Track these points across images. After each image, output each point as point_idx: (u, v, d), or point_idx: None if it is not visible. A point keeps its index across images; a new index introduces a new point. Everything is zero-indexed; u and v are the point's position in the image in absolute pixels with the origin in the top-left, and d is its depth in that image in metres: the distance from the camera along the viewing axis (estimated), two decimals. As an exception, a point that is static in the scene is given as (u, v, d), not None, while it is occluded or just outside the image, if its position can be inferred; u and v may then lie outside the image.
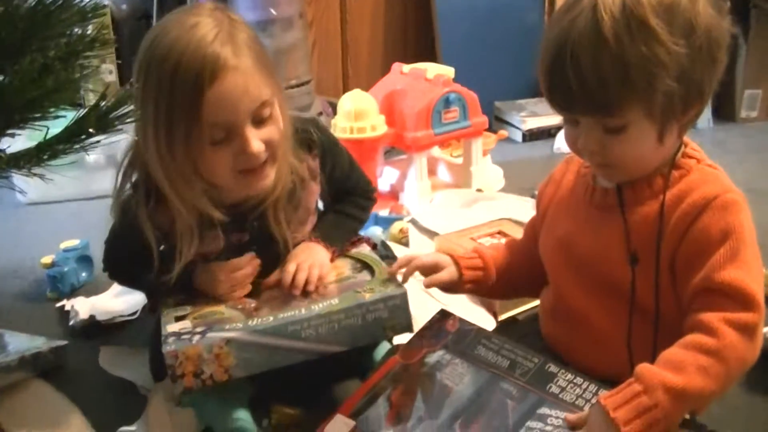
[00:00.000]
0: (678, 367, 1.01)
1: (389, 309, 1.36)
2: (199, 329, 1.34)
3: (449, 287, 1.39)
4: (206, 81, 1.26)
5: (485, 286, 1.40)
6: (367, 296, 1.36)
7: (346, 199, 1.63)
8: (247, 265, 1.46)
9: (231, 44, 1.30)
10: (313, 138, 1.52)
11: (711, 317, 1.03)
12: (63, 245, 2.12)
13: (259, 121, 1.34)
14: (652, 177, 1.16)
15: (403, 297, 1.37)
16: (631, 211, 1.16)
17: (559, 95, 1.11)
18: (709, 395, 1.02)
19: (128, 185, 1.43)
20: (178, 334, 1.33)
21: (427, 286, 1.39)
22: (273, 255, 1.49)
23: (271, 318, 1.35)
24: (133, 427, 1.42)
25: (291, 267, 1.45)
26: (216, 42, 1.28)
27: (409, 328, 1.38)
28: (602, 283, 1.18)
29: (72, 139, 1.22)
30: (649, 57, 1.04)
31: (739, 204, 1.11)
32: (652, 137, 1.11)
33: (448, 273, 1.37)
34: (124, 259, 1.53)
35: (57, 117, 1.18)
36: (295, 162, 1.47)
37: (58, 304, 1.96)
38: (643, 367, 1.02)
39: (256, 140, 1.33)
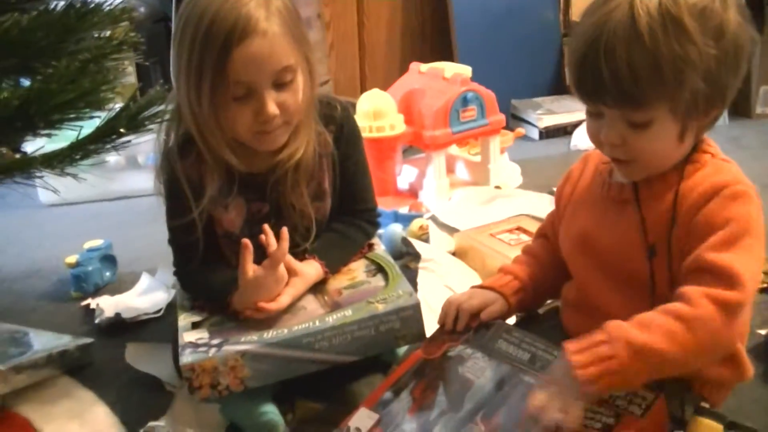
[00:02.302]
0: (646, 326, 1.03)
1: (402, 320, 1.37)
2: (215, 341, 1.36)
3: (501, 318, 1.34)
4: (235, 40, 1.33)
5: (528, 303, 1.39)
6: (380, 307, 1.38)
7: (352, 221, 1.62)
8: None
9: (265, 8, 1.36)
10: (334, 115, 1.57)
11: (693, 290, 1.05)
12: (87, 245, 2.14)
13: (279, 85, 1.40)
14: (666, 172, 1.17)
15: (416, 308, 1.38)
16: (646, 205, 1.17)
17: (589, 84, 1.12)
18: (672, 361, 1.03)
19: (170, 138, 1.50)
20: (194, 345, 1.35)
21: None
22: (291, 227, 1.49)
23: (285, 330, 1.36)
24: (160, 423, 1.44)
25: (286, 300, 1.43)
26: (252, 3, 1.34)
27: (422, 338, 1.37)
28: (622, 276, 1.19)
29: (103, 139, 1.25)
30: (680, 55, 1.06)
31: (748, 195, 1.12)
32: (673, 135, 1.12)
33: (499, 306, 1.32)
34: (189, 248, 1.53)
35: (92, 117, 1.21)
36: (313, 133, 1.51)
37: (83, 303, 1.99)
38: (612, 322, 1.05)
39: (272, 103, 1.38)
